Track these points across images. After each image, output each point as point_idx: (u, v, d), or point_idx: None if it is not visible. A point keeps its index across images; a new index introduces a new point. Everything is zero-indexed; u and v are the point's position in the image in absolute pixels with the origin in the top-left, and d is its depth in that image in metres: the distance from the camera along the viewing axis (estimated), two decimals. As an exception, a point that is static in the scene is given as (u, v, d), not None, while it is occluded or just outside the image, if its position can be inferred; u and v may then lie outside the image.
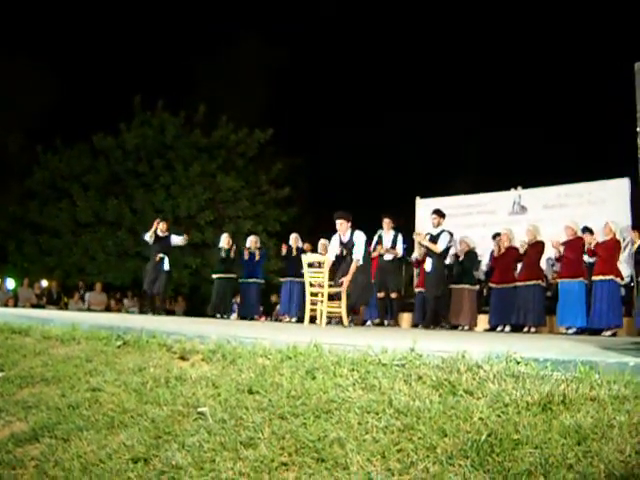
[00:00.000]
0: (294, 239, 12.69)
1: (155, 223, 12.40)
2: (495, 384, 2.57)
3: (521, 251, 10.47)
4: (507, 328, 10.55)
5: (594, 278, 9.51)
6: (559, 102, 21.30)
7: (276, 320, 14.80)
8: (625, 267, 10.57)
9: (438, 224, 10.19)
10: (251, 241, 13.16)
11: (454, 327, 10.85)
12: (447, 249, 10.44)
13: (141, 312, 12.40)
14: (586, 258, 9.88)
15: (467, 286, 10.99)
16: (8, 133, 21.71)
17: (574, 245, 9.81)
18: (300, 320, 11.40)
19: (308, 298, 9.20)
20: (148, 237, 12.30)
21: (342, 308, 9.30)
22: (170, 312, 13.34)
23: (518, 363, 2.84)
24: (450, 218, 11.56)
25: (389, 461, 2.23)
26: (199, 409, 2.84)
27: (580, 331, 9.59)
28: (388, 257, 10.88)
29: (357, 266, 8.75)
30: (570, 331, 9.76)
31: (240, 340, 3.87)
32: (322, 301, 9.06)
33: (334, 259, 9.03)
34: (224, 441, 2.53)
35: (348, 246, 8.82)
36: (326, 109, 24.32)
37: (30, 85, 21.41)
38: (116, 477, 2.53)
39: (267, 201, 20.33)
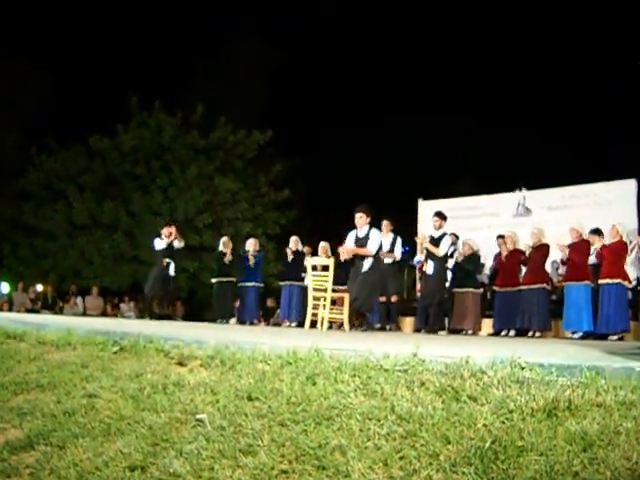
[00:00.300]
0: (294, 242, 12.70)
1: (169, 231, 12.46)
2: (499, 390, 2.57)
3: (526, 254, 10.47)
4: (512, 332, 10.55)
5: (601, 281, 9.50)
6: (564, 101, 21.31)
7: (275, 325, 14.80)
8: (632, 270, 10.58)
9: (440, 227, 10.19)
10: (250, 244, 13.17)
11: (457, 331, 10.85)
12: (451, 252, 10.45)
13: (142, 317, 12.49)
14: (592, 260, 9.86)
15: (471, 290, 10.99)
16: (2, 133, 21.72)
17: (580, 248, 9.81)
18: (300, 325, 11.40)
19: (310, 302, 9.20)
20: (162, 245, 12.34)
21: (344, 313, 9.31)
22: (168, 317, 13.39)
23: (523, 368, 2.84)
24: (453, 220, 11.57)
25: (391, 469, 2.23)
26: (197, 416, 2.84)
27: (586, 335, 9.58)
28: (388, 260, 10.89)
29: (368, 254, 8.68)
30: (576, 335, 9.75)
31: (239, 345, 3.87)
32: (324, 306, 9.06)
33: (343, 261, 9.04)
34: (223, 448, 2.53)
35: (363, 242, 8.80)
36: (326, 110, 24.32)
37: (25, 85, 21.41)
38: (113, 485, 2.53)
39: (266, 203, 20.34)
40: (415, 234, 12.41)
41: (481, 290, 11.29)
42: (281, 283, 13.03)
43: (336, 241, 12.16)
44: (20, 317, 8.62)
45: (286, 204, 20.63)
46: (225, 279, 12.89)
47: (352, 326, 9.48)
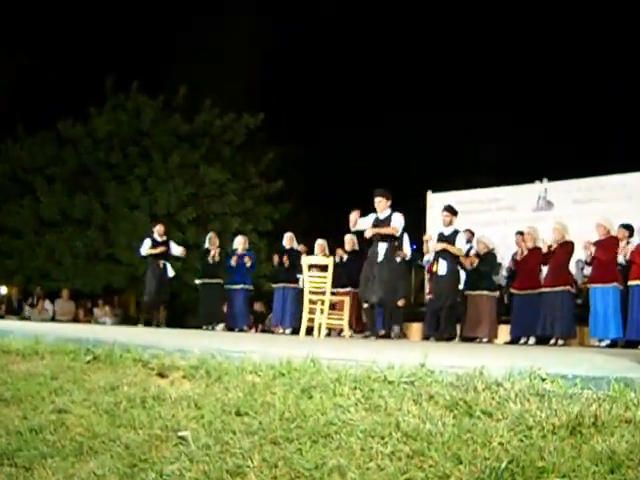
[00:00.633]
0: (288, 239, 12.70)
1: (157, 228, 12.82)
2: (517, 404, 2.58)
3: (547, 252, 10.45)
4: (531, 340, 10.56)
5: (630, 283, 9.50)
6: (589, 82, 21.32)
7: (267, 331, 14.80)
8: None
9: (450, 222, 10.20)
10: (239, 242, 13.17)
11: (470, 339, 10.86)
12: (466, 251, 10.46)
13: (148, 324, 12.68)
14: (621, 259, 9.85)
15: (485, 292, 10.99)
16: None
17: (607, 245, 9.80)
18: (295, 332, 11.40)
19: (306, 306, 9.20)
20: (147, 250, 12.46)
21: (344, 319, 9.32)
22: (148, 323, 13.46)
23: (543, 380, 2.84)
24: (465, 215, 11.59)
25: (396, 492, 2.23)
26: (180, 433, 2.84)
27: (614, 343, 9.60)
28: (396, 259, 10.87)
29: (392, 233, 8.76)
30: (603, 343, 9.76)
31: (226, 354, 3.87)
32: (322, 310, 9.06)
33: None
34: (208, 469, 2.53)
35: (383, 223, 8.85)
36: (325, 91, 24.25)
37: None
38: (85, 511, 2.53)
39: (257, 196, 20.32)
40: (423, 229, 12.43)
41: (497, 293, 11.30)
42: (274, 285, 13.04)
43: (335, 238, 12.21)
44: (-18, 323, 8.60)
45: (279, 197, 20.62)
46: (211, 280, 12.89)
47: (361, 332, 9.47)
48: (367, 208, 9.03)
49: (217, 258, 12.82)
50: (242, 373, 3.44)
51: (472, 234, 11.56)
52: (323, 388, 3.02)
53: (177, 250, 12.88)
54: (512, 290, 11.02)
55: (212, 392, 3.26)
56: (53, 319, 17.54)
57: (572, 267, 10.80)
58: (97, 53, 22.62)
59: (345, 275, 11.71)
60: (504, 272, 11.69)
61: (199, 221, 19.12)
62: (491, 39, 22.59)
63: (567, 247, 10.27)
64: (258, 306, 17.08)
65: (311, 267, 9.56)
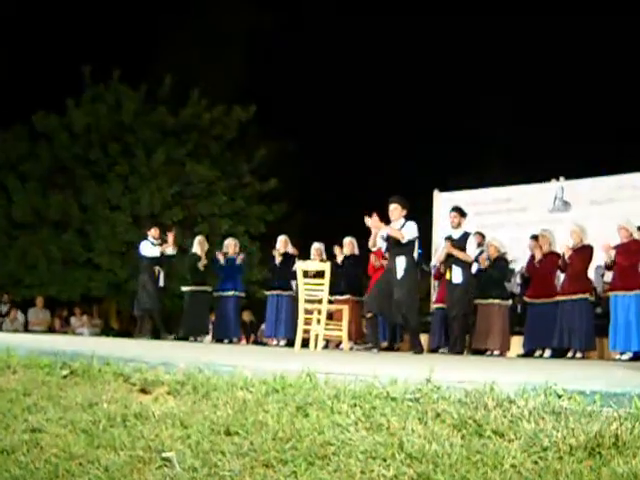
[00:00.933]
0: (282, 242, 12.68)
1: (171, 235, 13.03)
2: (531, 423, 2.58)
3: (564, 257, 10.44)
4: (546, 353, 10.56)
5: (654, 291, 9.51)
6: (608, 74, 21.37)
7: (260, 343, 14.79)
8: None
9: (458, 224, 10.20)
10: (229, 245, 13.16)
11: (481, 352, 10.86)
12: (476, 255, 10.46)
13: (157, 337, 12.75)
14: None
15: (497, 301, 10.98)
16: None
17: (629, 250, 9.80)
18: (290, 343, 11.40)
19: (301, 316, 9.20)
20: (154, 251, 12.55)
21: (343, 329, 9.32)
22: (128, 334, 13.43)
23: (560, 397, 2.84)
24: (475, 216, 11.60)
25: (400, 519, 2.23)
26: (164, 454, 2.84)
27: (637, 356, 9.59)
28: None
29: (398, 238, 8.77)
30: (625, 357, 9.76)
31: (215, 368, 3.87)
32: (319, 320, 9.06)
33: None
34: (195, 494, 2.52)
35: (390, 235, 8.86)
36: (323, 82, 24.25)
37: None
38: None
39: (249, 196, 20.32)
40: (429, 231, 12.42)
41: (510, 301, 11.30)
42: (266, 292, 13.03)
43: (333, 242, 12.20)
44: (-52, 334, 8.60)
45: (273, 197, 20.61)
46: (199, 288, 12.89)
47: (363, 344, 9.46)
48: (370, 210, 8.98)
49: (205, 262, 12.85)
50: (232, 389, 3.44)
51: (483, 237, 11.56)
52: (320, 405, 3.02)
53: (169, 250, 12.94)
54: (526, 298, 11.01)
55: (199, 409, 3.26)
56: (26, 329, 17.51)
57: (591, 273, 10.79)
58: (74, 39, 22.60)
59: (344, 281, 11.71)
60: (517, 279, 11.69)
61: (185, 223, 19.12)
62: (504, 30, 22.65)
63: (585, 252, 10.27)
64: (246, 315, 16.91)
65: (306, 273, 9.56)
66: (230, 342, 12.72)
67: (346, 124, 23.56)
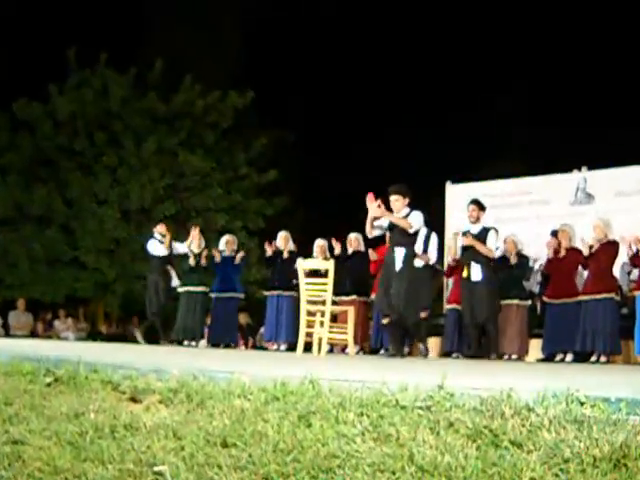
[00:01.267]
0: (283, 239, 12.67)
1: (193, 234, 12.98)
2: (551, 433, 2.58)
3: (586, 254, 10.44)
4: (568, 357, 10.56)
5: (684, 289, 9.51)
6: (635, 54, 21.31)
7: (259, 347, 14.80)
8: None
9: (477, 219, 10.19)
10: (227, 242, 13.14)
11: (497, 356, 10.86)
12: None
13: (168, 342, 12.78)
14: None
15: (516, 302, 10.97)
16: None
17: (657, 245, 9.80)
18: (291, 348, 11.41)
19: (303, 318, 9.21)
20: (162, 250, 12.65)
21: (349, 332, 9.32)
22: (120, 337, 13.43)
23: (582, 404, 2.84)
24: (491, 210, 11.56)
25: (410, 536, 2.24)
26: (156, 468, 2.84)
27: (666, 361, 9.60)
28: (418, 264, 10.84)
29: (406, 228, 8.72)
30: (653, 361, 9.77)
31: (210, 375, 3.88)
32: (322, 323, 9.07)
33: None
34: (189, 510, 2.53)
35: (399, 226, 8.80)
36: (326, 66, 24.21)
37: None
38: None
39: (246, 188, 20.32)
40: (441, 226, 12.42)
41: (529, 302, 11.29)
42: (266, 293, 13.02)
43: (338, 239, 12.18)
44: None
45: (272, 189, 20.61)
46: (194, 288, 12.89)
47: (379, 349, 9.45)
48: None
49: (203, 260, 12.85)
50: (229, 397, 3.44)
51: (496, 232, 11.54)
52: (324, 414, 3.02)
53: (182, 247, 12.93)
54: (545, 298, 11.00)
55: (194, 419, 3.26)
56: (7, 334, 17.53)
57: (616, 271, 10.78)
58: (57, 20, 22.59)
59: (349, 281, 11.69)
60: (537, 277, 11.67)
61: (178, 218, 19.13)
62: (524, 14, 22.63)
63: (610, 247, 10.26)
64: (244, 318, 16.84)
65: (309, 272, 9.56)
66: (227, 346, 12.71)
67: (352, 111, 23.51)
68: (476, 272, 9.97)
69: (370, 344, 11.82)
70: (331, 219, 17.37)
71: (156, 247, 12.79)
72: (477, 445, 2.60)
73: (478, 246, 9.91)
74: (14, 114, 19.54)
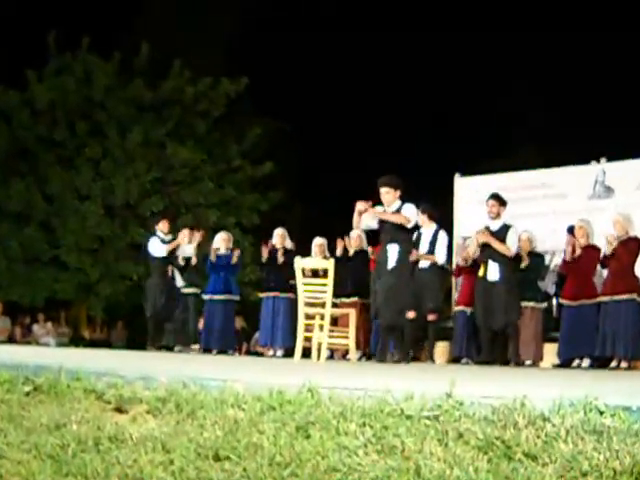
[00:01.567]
0: (280, 236, 12.66)
1: (200, 235, 13.05)
2: (568, 444, 2.58)
3: (607, 252, 10.43)
4: (585, 362, 10.56)
5: None
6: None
7: (253, 353, 14.80)
8: None
9: (497, 215, 10.17)
10: (222, 240, 13.09)
11: (509, 362, 10.85)
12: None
13: (160, 348, 12.75)
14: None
15: (531, 304, 10.94)
16: None
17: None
18: (288, 353, 11.41)
19: (301, 322, 9.21)
20: (163, 249, 12.60)
21: (350, 337, 9.32)
22: (104, 343, 13.42)
23: (602, 413, 2.84)
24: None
25: None
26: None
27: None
28: (424, 264, 10.85)
29: (403, 223, 8.66)
30: (677, 367, 9.78)
31: (202, 383, 3.88)
32: (321, 327, 9.07)
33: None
34: (179, 529, 2.53)
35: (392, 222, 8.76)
36: (327, 49, 24.16)
37: None
38: None
39: (240, 182, 20.31)
40: (450, 222, 12.42)
41: (544, 304, 11.29)
42: (261, 295, 13.01)
43: (338, 236, 12.19)
44: None
45: (268, 183, 20.60)
46: (185, 290, 12.89)
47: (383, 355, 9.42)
48: (378, 200, 8.96)
49: (196, 260, 12.84)
50: (221, 407, 3.44)
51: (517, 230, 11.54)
52: (324, 425, 3.02)
53: (189, 249, 12.87)
54: (561, 300, 10.99)
55: (184, 431, 3.26)
56: (-18, 339, 17.56)
57: (638, 270, 10.78)
58: (36, 2, 22.60)
59: (350, 281, 11.69)
60: (552, 277, 11.66)
61: (167, 214, 19.07)
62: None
63: (631, 245, 10.26)
64: (237, 321, 16.84)
65: (306, 272, 9.56)
66: (220, 352, 12.65)
67: (353, 99, 23.49)
68: (493, 271, 9.95)
69: (371, 349, 11.80)
70: (331, 215, 17.36)
71: (157, 246, 12.71)
72: (488, 457, 2.60)
73: (494, 243, 9.89)
74: (-12, 103, 19.54)
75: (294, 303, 11.04)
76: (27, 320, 19.76)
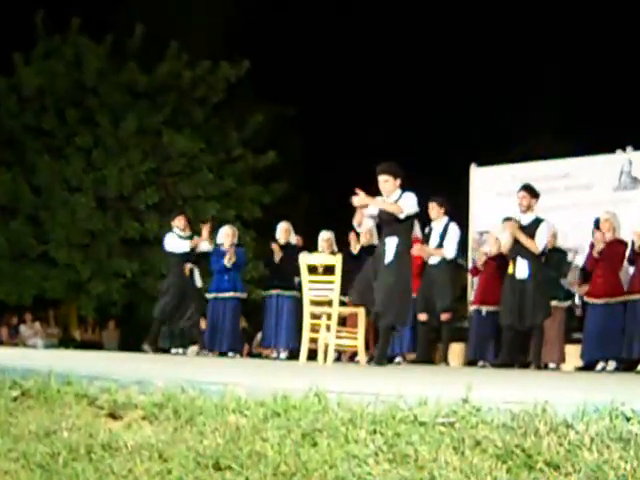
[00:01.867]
0: (284, 231, 12.66)
1: (205, 229, 12.86)
2: (593, 452, 2.57)
3: (636, 247, 10.40)
4: (611, 365, 10.54)
5: None
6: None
7: (256, 355, 14.81)
8: None
9: (528, 207, 10.10)
10: (225, 234, 13.06)
11: (528, 364, 10.85)
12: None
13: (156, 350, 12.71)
14: None
15: (553, 303, 10.92)
16: None
17: None
18: (293, 355, 11.42)
19: (307, 322, 9.21)
20: (183, 245, 12.64)
21: (359, 338, 9.31)
22: (96, 344, 13.43)
23: (629, 420, 2.84)
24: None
25: None
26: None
27: None
28: (434, 260, 10.83)
29: (397, 213, 8.60)
30: None
31: (201, 387, 3.87)
32: (328, 327, 9.06)
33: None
34: (178, 543, 2.54)
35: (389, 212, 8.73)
36: (334, 29, 24.15)
37: None
38: None
39: (240, 173, 20.30)
40: (465, 214, 12.42)
41: (568, 302, 11.28)
42: (264, 293, 13.01)
43: (346, 230, 12.19)
44: None
45: (271, 174, 20.59)
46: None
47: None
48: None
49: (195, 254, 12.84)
50: (222, 413, 3.44)
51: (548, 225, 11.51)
52: (331, 432, 3.02)
53: (205, 245, 12.85)
54: (586, 298, 10.98)
55: (182, 438, 3.27)
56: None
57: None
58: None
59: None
60: (575, 274, 11.64)
61: (162, 207, 19.12)
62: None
63: (660, 239, 10.25)
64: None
65: (312, 269, 9.55)
66: (222, 354, 12.62)
67: (362, 83, 23.47)
68: (522, 268, 9.90)
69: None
70: (338, 208, 17.32)
71: (175, 242, 12.66)
72: (507, 467, 2.60)
73: (521, 237, 9.85)
74: (-28, 89, 19.57)
75: (299, 302, 11.04)
76: (14, 320, 19.80)
